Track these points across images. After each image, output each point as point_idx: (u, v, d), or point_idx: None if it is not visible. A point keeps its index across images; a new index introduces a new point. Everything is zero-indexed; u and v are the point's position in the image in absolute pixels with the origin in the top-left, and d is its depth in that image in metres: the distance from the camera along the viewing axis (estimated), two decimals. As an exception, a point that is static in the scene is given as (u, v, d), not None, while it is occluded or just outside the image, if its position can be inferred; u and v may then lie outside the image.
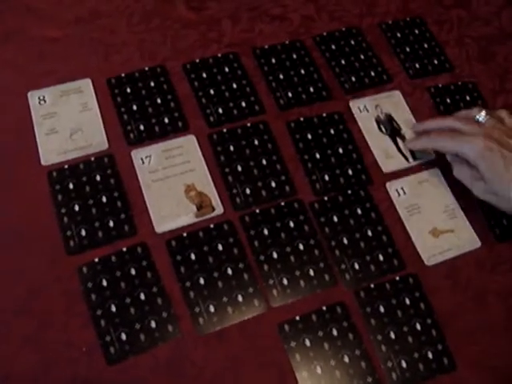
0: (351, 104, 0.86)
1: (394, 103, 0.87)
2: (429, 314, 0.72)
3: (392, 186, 0.80)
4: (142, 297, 0.70)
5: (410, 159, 0.83)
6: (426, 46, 0.94)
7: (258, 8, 0.94)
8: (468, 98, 0.90)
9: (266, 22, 0.93)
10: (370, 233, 0.77)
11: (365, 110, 0.86)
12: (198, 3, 0.93)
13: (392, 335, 0.71)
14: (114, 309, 0.69)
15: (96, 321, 0.68)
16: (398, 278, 0.74)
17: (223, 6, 0.94)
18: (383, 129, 0.85)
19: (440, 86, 0.90)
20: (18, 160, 0.77)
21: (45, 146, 0.78)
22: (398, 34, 0.95)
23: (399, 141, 0.84)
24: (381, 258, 0.75)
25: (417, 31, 0.96)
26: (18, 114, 0.80)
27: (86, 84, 0.84)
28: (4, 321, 0.67)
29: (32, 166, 0.77)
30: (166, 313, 0.69)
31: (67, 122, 0.80)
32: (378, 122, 0.85)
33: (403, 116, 0.86)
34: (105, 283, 0.70)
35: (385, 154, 0.83)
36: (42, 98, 0.82)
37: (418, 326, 0.72)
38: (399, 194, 0.80)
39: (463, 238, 0.78)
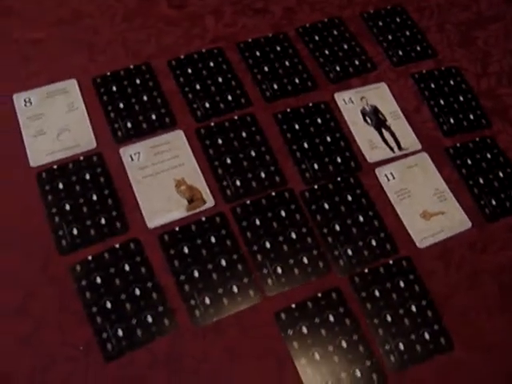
0: (336, 96, 0.87)
1: (379, 95, 0.88)
2: (424, 295, 0.73)
3: (381, 172, 0.81)
4: (137, 292, 0.70)
5: (396, 149, 0.83)
6: (407, 33, 0.95)
7: (240, 2, 0.95)
8: (452, 82, 0.91)
9: (248, 16, 0.94)
10: (361, 218, 0.77)
11: (350, 102, 0.86)
12: (180, 1, 0.93)
13: (388, 318, 0.71)
14: (109, 305, 0.69)
15: (92, 318, 0.68)
16: (391, 262, 0.75)
17: (205, 2, 0.94)
18: (368, 120, 0.85)
19: (424, 71, 0.91)
20: (6, 163, 0.77)
21: (33, 148, 0.78)
22: (380, 23, 0.96)
23: (384, 132, 0.85)
24: (373, 242, 0.76)
25: (398, 19, 0.97)
26: (4, 116, 0.80)
27: (72, 84, 0.84)
28: (0, 322, 0.67)
29: (21, 168, 0.76)
30: (162, 307, 0.69)
31: (54, 122, 0.80)
32: (364, 113, 0.86)
33: (389, 107, 0.87)
34: (99, 280, 0.70)
35: (370, 144, 0.83)
36: (27, 100, 0.81)
37: (414, 308, 0.72)
38: (388, 179, 0.80)
39: (454, 219, 0.79)
